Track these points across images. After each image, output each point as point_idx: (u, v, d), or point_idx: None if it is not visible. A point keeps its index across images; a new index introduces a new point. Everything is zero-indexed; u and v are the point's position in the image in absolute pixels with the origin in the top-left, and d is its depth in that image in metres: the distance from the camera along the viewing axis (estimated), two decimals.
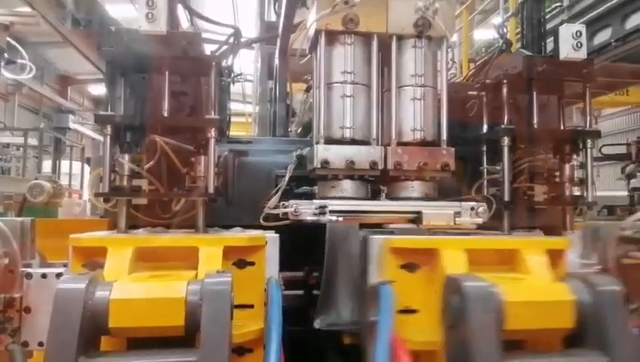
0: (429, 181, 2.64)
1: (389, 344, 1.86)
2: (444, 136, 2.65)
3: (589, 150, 3.19)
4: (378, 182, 2.72)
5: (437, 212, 2.45)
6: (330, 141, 2.57)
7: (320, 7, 2.55)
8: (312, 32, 2.68)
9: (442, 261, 2.12)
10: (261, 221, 2.70)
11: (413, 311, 2.21)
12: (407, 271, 2.22)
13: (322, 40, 2.59)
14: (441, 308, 2.00)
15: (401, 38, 2.66)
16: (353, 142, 2.59)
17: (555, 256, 2.27)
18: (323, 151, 2.52)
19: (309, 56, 2.88)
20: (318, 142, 2.57)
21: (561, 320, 1.88)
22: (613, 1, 6.49)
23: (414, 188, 2.61)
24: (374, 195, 2.74)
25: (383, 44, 2.65)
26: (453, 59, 7.94)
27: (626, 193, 7.99)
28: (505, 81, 3.16)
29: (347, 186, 2.58)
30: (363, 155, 2.54)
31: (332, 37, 2.62)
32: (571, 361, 1.90)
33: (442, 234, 2.49)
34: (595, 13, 6.77)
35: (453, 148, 2.63)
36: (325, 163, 2.50)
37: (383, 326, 1.90)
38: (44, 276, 2.24)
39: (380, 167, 2.55)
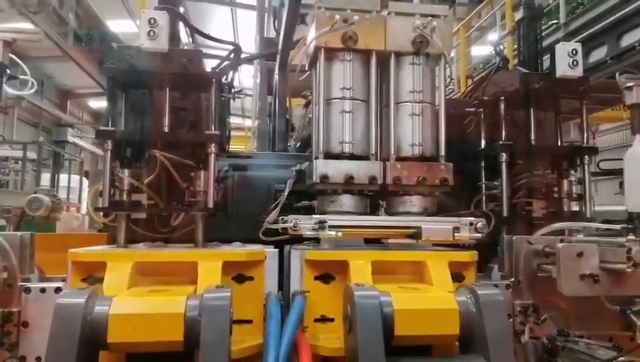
0: (427, 196, 2.65)
1: (291, 342, 1.97)
2: (443, 152, 2.67)
3: (586, 166, 3.22)
4: (377, 196, 2.73)
5: (436, 227, 2.46)
6: (329, 156, 2.59)
7: (319, 25, 2.58)
8: (311, 48, 2.71)
9: (350, 272, 2.25)
10: (260, 235, 2.71)
11: (329, 320, 2.32)
12: (322, 282, 2.35)
13: (322, 57, 2.63)
14: (342, 316, 2.14)
15: (399, 54, 2.69)
16: (352, 157, 2.60)
17: (462, 268, 2.40)
18: (322, 166, 2.53)
19: (309, 72, 2.91)
20: (317, 157, 2.58)
21: (447, 327, 2.02)
22: (608, 20, 6.56)
23: (413, 203, 2.62)
24: (373, 210, 2.75)
25: (381, 60, 2.69)
26: (451, 75, 8.00)
27: (624, 208, 8.03)
28: (502, 98, 3.20)
29: (346, 201, 2.59)
30: (362, 170, 2.56)
31: (331, 54, 2.65)
32: None
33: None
34: (590, 31, 6.84)
35: (452, 164, 2.65)
36: (324, 178, 2.52)
37: (288, 327, 2.02)
38: (42, 290, 2.23)
39: (379, 181, 2.56)
